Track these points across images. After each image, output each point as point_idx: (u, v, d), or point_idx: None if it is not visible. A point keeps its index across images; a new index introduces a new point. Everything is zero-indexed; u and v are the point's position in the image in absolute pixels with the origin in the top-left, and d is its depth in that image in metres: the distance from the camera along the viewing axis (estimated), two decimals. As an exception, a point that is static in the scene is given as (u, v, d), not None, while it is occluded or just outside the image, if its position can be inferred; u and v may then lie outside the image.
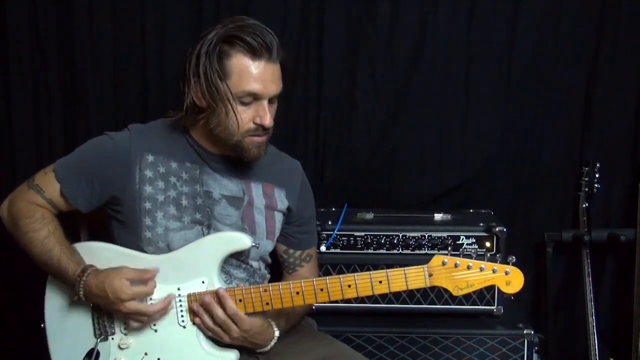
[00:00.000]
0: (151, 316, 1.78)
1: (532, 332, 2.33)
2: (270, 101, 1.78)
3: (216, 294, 1.75)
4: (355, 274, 1.74)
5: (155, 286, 1.78)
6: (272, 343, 1.83)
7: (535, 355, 2.34)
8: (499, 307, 2.40)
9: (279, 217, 1.96)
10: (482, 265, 1.70)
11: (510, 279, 1.71)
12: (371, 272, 1.73)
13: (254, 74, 1.72)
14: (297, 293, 1.75)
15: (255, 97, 1.75)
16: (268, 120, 1.76)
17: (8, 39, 2.78)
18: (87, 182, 1.82)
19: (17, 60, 2.80)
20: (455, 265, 1.70)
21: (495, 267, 1.70)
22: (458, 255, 1.73)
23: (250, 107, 1.76)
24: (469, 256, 1.72)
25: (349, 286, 1.74)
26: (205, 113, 1.77)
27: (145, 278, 1.77)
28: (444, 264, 1.70)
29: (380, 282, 1.72)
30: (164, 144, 1.85)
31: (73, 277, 1.77)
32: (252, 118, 1.76)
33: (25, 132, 2.84)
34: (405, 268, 1.72)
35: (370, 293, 1.74)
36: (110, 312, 1.80)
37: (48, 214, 1.84)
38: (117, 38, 2.80)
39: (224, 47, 1.72)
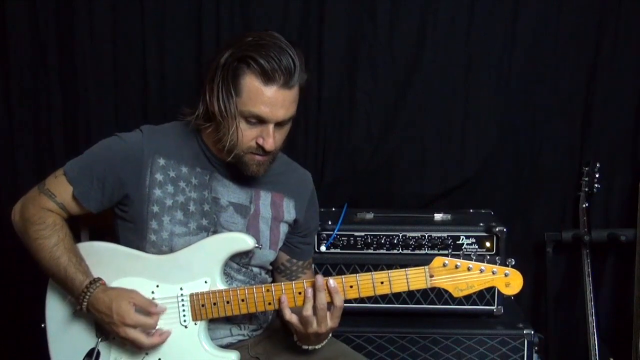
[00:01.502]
0: (147, 347, 1.77)
1: (532, 332, 2.33)
2: (280, 124, 1.76)
3: (327, 285, 1.73)
4: (357, 274, 1.75)
5: (158, 321, 1.77)
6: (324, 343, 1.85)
7: (535, 355, 2.35)
8: (499, 307, 2.40)
9: (283, 228, 1.95)
10: (482, 267, 1.72)
11: (509, 281, 1.73)
12: (373, 273, 1.74)
13: (263, 98, 1.70)
14: (300, 293, 1.75)
15: (261, 120, 1.73)
16: (269, 145, 1.74)
17: (8, 39, 2.78)
18: (98, 184, 1.81)
19: (17, 60, 2.80)
20: (456, 267, 1.72)
21: (494, 269, 1.72)
22: (458, 256, 1.74)
23: (256, 127, 1.74)
24: (468, 257, 1.73)
25: (351, 287, 1.75)
26: (215, 122, 1.76)
27: (151, 311, 1.77)
28: (444, 265, 1.72)
29: (382, 282, 1.74)
30: (176, 148, 1.84)
31: (79, 288, 1.76)
32: (254, 137, 1.75)
33: (25, 132, 2.84)
34: (406, 269, 1.73)
35: (372, 294, 1.75)
36: (108, 330, 1.79)
37: (59, 220, 1.83)
38: (117, 38, 2.81)
39: (240, 64, 1.69)
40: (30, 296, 2.01)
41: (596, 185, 2.71)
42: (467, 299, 2.40)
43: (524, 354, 2.33)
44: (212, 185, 1.85)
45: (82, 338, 1.84)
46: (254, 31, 1.77)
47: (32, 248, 1.82)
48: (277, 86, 1.70)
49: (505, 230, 2.36)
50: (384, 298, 2.42)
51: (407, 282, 1.73)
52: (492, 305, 2.40)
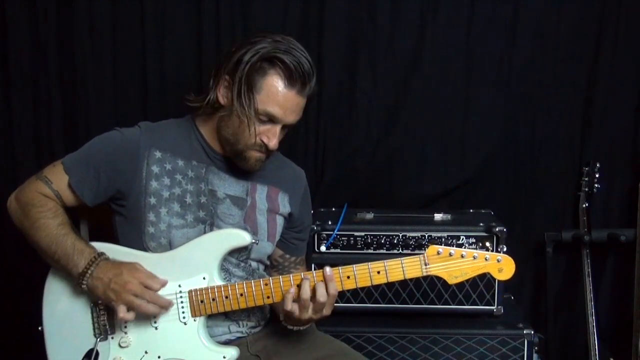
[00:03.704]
0: (152, 304, 1.76)
1: (532, 332, 2.33)
2: (284, 127, 1.82)
3: (323, 274, 1.75)
4: (354, 265, 1.77)
5: (164, 285, 1.79)
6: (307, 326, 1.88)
7: (535, 355, 2.35)
8: (499, 307, 2.40)
9: (280, 221, 1.98)
10: (475, 254, 1.76)
11: (502, 266, 1.77)
12: (369, 263, 1.77)
13: (281, 99, 1.77)
14: (298, 286, 1.76)
15: (272, 120, 1.79)
16: (273, 144, 1.80)
17: (8, 39, 2.78)
18: (95, 174, 1.82)
19: (17, 60, 2.80)
20: (450, 255, 1.75)
21: (487, 256, 1.76)
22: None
23: (264, 125, 1.80)
24: (461, 246, 1.78)
25: (348, 277, 1.77)
26: (223, 112, 1.81)
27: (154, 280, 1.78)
28: (438, 253, 1.75)
29: (379, 272, 1.77)
30: (172, 142, 1.87)
31: (88, 257, 1.77)
32: (260, 134, 1.80)
33: (25, 132, 2.84)
34: (402, 258, 1.77)
35: (368, 284, 1.77)
36: (106, 297, 1.77)
37: (59, 208, 1.85)
38: (117, 38, 2.81)
39: (265, 63, 1.76)
40: (26, 300, 2.00)
41: (596, 185, 2.71)
42: (467, 299, 2.40)
43: (524, 354, 2.33)
44: (209, 178, 1.88)
45: (80, 339, 1.84)
46: (275, 33, 1.82)
47: (33, 229, 1.81)
48: (295, 91, 1.78)
49: (505, 230, 2.36)
50: (384, 298, 2.42)
51: (403, 271, 1.76)
52: (492, 305, 2.40)
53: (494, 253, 1.76)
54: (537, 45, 2.77)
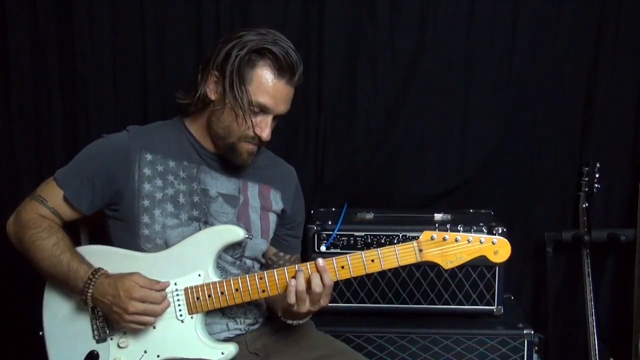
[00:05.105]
0: (159, 314, 1.77)
1: (532, 332, 2.34)
2: (274, 118, 1.84)
3: (316, 266, 1.75)
4: (348, 254, 1.77)
5: (165, 297, 1.79)
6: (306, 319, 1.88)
7: (535, 355, 2.35)
8: (499, 307, 2.41)
9: (273, 218, 2.00)
10: (470, 238, 1.74)
11: (497, 249, 1.74)
12: (363, 252, 1.76)
13: (271, 89, 1.79)
14: (293, 278, 1.76)
15: (264, 110, 1.81)
16: (266, 134, 1.83)
17: (8, 39, 2.78)
18: (88, 183, 1.83)
19: (17, 60, 2.80)
20: (444, 239, 1.74)
21: (482, 238, 1.74)
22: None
23: (255, 117, 1.82)
24: (456, 230, 1.74)
25: (342, 267, 1.77)
26: (213, 107, 1.83)
27: (155, 288, 1.78)
28: (432, 238, 1.74)
29: (373, 260, 1.75)
30: (162, 143, 1.88)
31: (84, 277, 1.77)
32: (252, 126, 1.81)
33: (25, 132, 2.84)
34: (395, 245, 1.75)
35: (363, 272, 1.76)
36: (111, 317, 1.79)
37: (55, 225, 1.85)
38: (117, 38, 2.80)
39: (254, 55, 1.78)
40: (27, 306, 1.99)
41: (596, 185, 2.71)
42: (467, 299, 2.40)
43: (524, 354, 2.33)
44: (200, 178, 1.89)
45: (80, 342, 1.84)
46: (260, 27, 1.84)
47: (31, 251, 1.83)
48: (285, 81, 1.80)
49: (505, 230, 2.36)
50: (384, 298, 2.42)
51: (397, 258, 1.75)
52: (492, 305, 2.41)
53: (489, 236, 1.74)
54: (537, 45, 2.77)
